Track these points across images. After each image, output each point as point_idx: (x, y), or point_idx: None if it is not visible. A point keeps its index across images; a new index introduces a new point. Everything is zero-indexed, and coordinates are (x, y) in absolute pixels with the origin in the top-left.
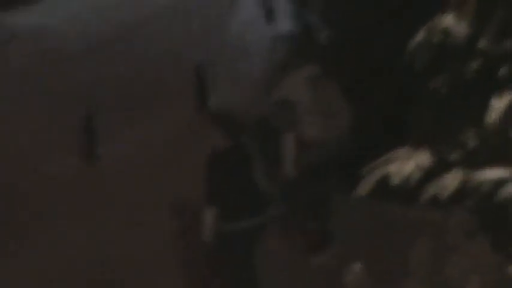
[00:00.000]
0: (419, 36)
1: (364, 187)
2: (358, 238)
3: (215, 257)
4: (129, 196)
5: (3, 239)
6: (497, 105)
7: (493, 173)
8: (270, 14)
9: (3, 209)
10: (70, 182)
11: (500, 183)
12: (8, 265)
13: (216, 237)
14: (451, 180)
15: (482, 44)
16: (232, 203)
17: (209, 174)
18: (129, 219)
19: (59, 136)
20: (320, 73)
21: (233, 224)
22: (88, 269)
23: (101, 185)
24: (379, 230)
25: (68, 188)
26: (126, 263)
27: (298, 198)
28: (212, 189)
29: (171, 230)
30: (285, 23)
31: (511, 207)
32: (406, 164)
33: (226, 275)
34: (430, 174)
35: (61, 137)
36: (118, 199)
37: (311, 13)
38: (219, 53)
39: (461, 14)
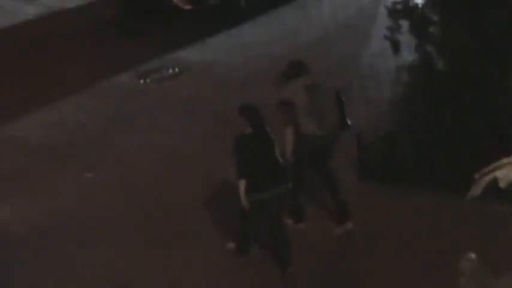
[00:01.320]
0: None
1: (477, 190)
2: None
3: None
4: None
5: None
6: None
7: None
8: (396, 47)
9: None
10: None
11: None
12: None
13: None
14: None
15: None
16: (260, 176)
17: (240, 153)
18: None
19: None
20: (315, 82)
21: (260, 193)
22: None
23: None
24: (490, 227)
25: None
26: None
27: (293, 177)
28: (243, 165)
29: None
30: (408, 54)
31: None
32: None
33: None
34: None
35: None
36: None
37: (431, 45)
38: (355, 79)
39: None
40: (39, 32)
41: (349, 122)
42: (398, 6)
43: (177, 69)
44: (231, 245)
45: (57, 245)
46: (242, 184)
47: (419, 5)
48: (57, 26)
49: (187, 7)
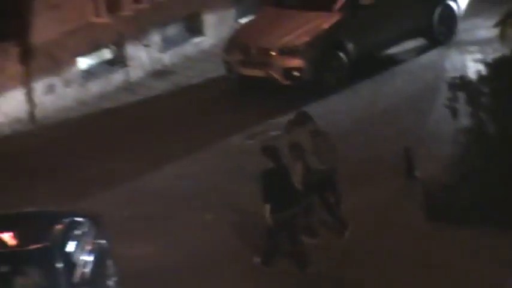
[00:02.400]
0: None
1: None
2: None
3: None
4: None
5: None
6: None
7: None
8: (454, 114)
9: None
10: None
11: None
12: None
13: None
14: None
15: None
16: (280, 200)
17: (265, 183)
18: None
19: None
20: (317, 128)
21: (281, 214)
22: None
23: None
24: None
25: None
26: None
27: (305, 201)
28: (268, 193)
29: None
30: (464, 120)
31: None
32: None
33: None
34: None
35: None
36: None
37: (483, 112)
38: (421, 139)
39: None
40: (170, 103)
41: (417, 174)
42: (456, 81)
43: (278, 132)
44: (256, 259)
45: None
46: (267, 208)
47: (473, 80)
48: (184, 98)
49: (286, 83)
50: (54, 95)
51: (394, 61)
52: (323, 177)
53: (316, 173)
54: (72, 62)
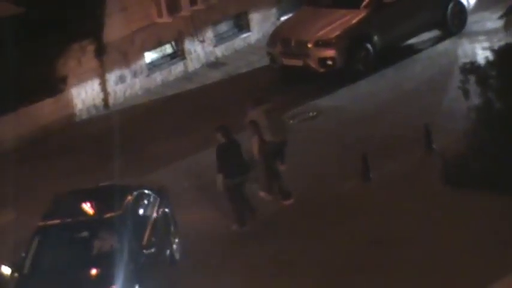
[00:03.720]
0: None
1: None
2: None
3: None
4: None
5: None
6: None
7: None
8: (466, 94)
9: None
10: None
11: None
12: None
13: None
14: None
15: None
16: (232, 169)
17: (218, 156)
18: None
19: (347, 166)
20: (272, 107)
21: (232, 180)
22: None
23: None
24: None
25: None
26: None
27: (267, 168)
28: (221, 163)
29: None
30: (475, 99)
31: None
32: None
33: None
34: None
35: (348, 167)
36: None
37: (491, 92)
38: (438, 116)
39: None
40: (222, 89)
41: (434, 146)
42: (468, 66)
43: (315, 113)
44: (234, 226)
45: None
46: (219, 177)
47: (482, 65)
48: (234, 85)
49: (321, 70)
50: (124, 84)
51: (413, 50)
52: (275, 148)
53: (269, 144)
54: (140, 56)
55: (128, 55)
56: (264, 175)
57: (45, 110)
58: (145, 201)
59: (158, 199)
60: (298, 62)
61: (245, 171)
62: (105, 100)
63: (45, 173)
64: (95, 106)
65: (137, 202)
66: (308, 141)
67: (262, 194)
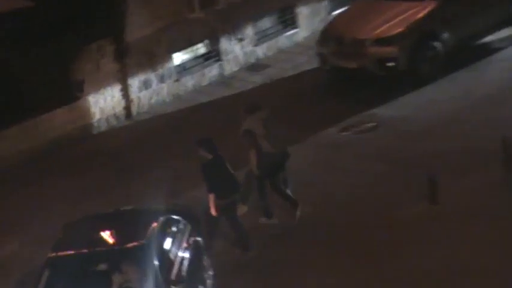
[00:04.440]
0: None
1: None
2: None
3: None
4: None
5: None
6: None
7: None
8: None
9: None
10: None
11: None
12: None
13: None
14: None
15: None
16: (221, 189)
17: (205, 174)
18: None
19: (410, 187)
20: (267, 115)
21: (223, 201)
22: None
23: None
24: None
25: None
26: None
27: (260, 185)
28: (212, 183)
29: None
30: None
31: None
32: None
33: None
34: None
35: (412, 188)
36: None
37: None
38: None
39: None
40: (264, 95)
41: None
42: None
43: (373, 124)
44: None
45: None
46: (212, 197)
47: None
48: (278, 90)
49: (380, 73)
50: (149, 90)
51: (489, 50)
52: (275, 161)
53: (268, 156)
54: (167, 58)
55: (153, 57)
56: (258, 195)
57: (57, 120)
58: (174, 229)
59: (189, 226)
60: (353, 64)
61: (237, 188)
62: (127, 109)
63: (55, 194)
64: (116, 116)
65: (164, 230)
66: (364, 157)
67: (262, 219)
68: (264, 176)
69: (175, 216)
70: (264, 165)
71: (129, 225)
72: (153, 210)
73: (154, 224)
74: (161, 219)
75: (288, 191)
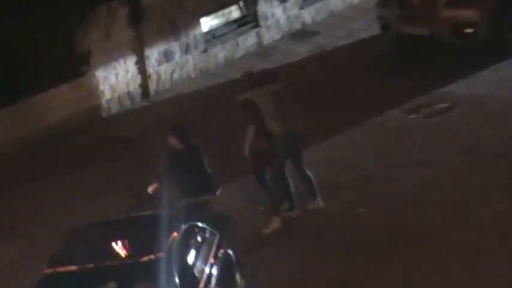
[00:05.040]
0: None
1: None
2: None
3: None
4: None
5: None
6: None
7: None
8: None
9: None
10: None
11: None
12: None
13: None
14: None
15: None
16: (191, 185)
17: (174, 166)
18: None
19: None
20: (281, 89)
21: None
22: None
23: None
24: None
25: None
26: None
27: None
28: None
29: None
30: None
31: None
32: None
33: None
34: None
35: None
36: None
37: None
38: None
39: None
40: (312, 70)
41: None
42: None
43: (447, 104)
44: None
45: None
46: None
47: None
48: (330, 63)
49: (456, 42)
50: (171, 64)
51: None
52: (282, 144)
53: (278, 139)
54: (193, 24)
55: (176, 22)
56: (269, 188)
57: (57, 101)
58: (198, 239)
59: (217, 236)
60: (423, 30)
61: (209, 189)
62: (144, 86)
63: (55, 193)
64: (130, 95)
65: (186, 240)
66: (436, 144)
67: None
68: (258, 162)
69: (200, 224)
70: (275, 148)
71: (144, 235)
72: (173, 216)
73: (175, 234)
74: (183, 227)
75: (291, 186)
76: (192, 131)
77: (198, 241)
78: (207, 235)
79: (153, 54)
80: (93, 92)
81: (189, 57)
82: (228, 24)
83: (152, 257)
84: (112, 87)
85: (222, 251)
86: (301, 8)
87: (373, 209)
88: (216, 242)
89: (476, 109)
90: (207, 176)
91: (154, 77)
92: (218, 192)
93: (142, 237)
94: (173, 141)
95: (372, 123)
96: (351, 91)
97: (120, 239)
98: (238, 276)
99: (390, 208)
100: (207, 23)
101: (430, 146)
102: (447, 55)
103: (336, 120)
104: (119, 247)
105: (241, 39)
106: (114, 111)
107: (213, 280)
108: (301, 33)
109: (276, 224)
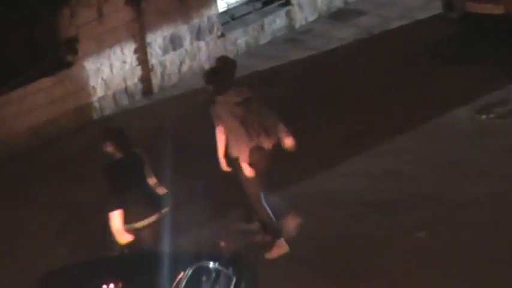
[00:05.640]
0: None
1: None
2: None
3: None
4: None
5: None
6: None
7: None
8: None
9: None
10: None
11: None
12: None
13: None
14: None
15: None
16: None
17: (112, 180)
18: None
19: None
20: (250, 95)
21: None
22: None
23: None
24: None
25: None
26: None
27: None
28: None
29: None
30: None
31: None
32: None
33: None
34: None
35: None
36: None
37: None
38: None
39: None
40: (357, 58)
41: None
42: None
43: None
44: None
45: None
46: (116, 217)
47: None
48: (379, 50)
49: None
50: (179, 52)
51: None
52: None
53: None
54: (207, 2)
55: (186, 1)
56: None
57: (37, 99)
58: (210, 282)
59: (233, 278)
60: (495, 9)
61: (156, 207)
62: (146, 81)
63: (35, 214)
64: (128, 92)
65: (194, 284)
66: (508, 152)
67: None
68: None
69: (212, 264)
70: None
71: (141, 279)
72: (179, 254)
73: (180, 276)
74: (189, 269)
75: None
76: (203, 137)
77: (209, 285)
78: (221, 278)
79: (156, 40)
80: (82, 88)
81: (202, 43)
82: (250, 2)
83: None
84: (105, 82)
85: None
86: None
87: (435, 232)
88: (232, 285)
89: None
90: (151, 193)
91: (158, 69)
92: (165, 211)
93: (139, 281)
94: (109, 148)
95: (433, 126)
96: (405, 86)
97: (116, 281)
98: None
99: (456, 231)
100: (224, 0)
101: (505, 154)
102: None
103: (387, 122)
104: None
105: (267, 20)
106: (108, 112)
107: None
108: (343, 13)
109: (282, 247)
